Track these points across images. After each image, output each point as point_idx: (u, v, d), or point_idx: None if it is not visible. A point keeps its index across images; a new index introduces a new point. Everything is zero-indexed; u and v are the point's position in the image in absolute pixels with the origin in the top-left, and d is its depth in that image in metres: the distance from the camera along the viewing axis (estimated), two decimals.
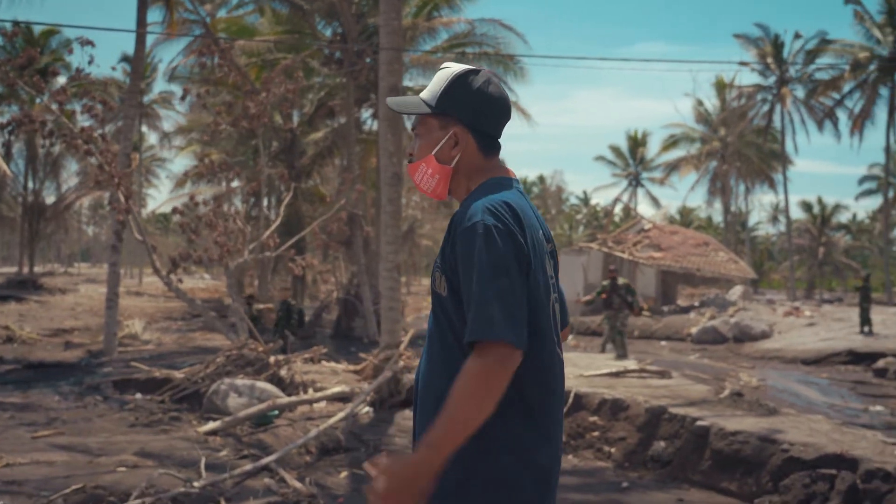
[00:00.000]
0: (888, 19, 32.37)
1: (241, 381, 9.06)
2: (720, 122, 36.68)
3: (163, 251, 26.05)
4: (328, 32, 21.41)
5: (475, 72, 1.94)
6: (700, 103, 38.74)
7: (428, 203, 34.24)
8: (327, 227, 13.37)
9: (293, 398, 9.02)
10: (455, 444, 1.64)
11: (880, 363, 14.18)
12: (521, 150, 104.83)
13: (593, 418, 8.01)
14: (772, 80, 36.70)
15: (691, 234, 26.90)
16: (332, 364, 11.48)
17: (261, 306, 12.16)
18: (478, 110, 1.93)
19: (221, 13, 27.91)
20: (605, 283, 12.88)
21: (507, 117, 1.97)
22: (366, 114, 23.14)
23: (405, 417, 9.05)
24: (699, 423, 6.92)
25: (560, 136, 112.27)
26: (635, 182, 48.81)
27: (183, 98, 13.48)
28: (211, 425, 7.88)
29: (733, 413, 7.43)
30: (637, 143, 48.38)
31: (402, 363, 9.87)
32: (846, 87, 33.98)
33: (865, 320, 17.59)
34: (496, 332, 1.64)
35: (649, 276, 25.13)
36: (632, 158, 48.63)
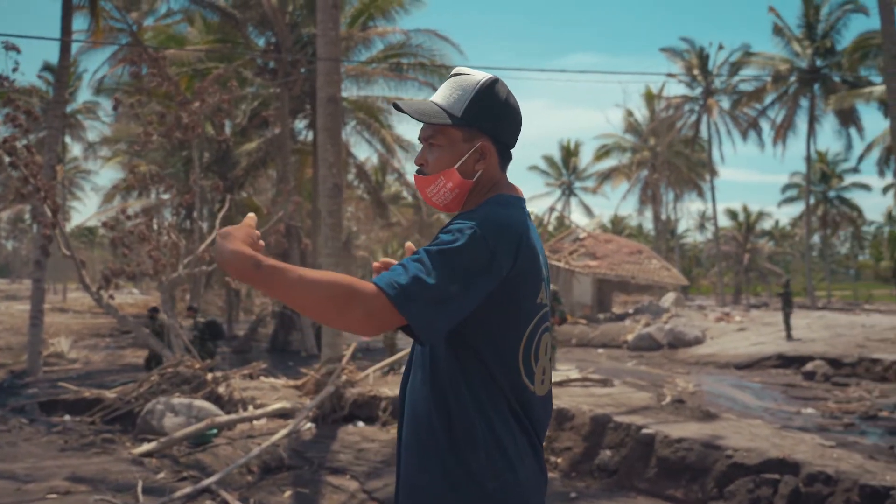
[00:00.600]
0: (807, 32, 33.69)
1: (177, 400, 8.77)
2: (650, 133, 37.54)
3: (91, 266, 25.16)
4: (261, 42, 21.12)
5: (497, 80, 1.84)
6: (630, 114, 39.64)
7: (363, 214, 34.01)
8: (264, 240, 13.08)
9: (232, 416, 8.78)
10: (272, 289, 1.51)
11: (809, 366, 14.63)
12: None
13: None
14: (698, 91, 37.79)
15: (625, 243, 27.38)
16: (272, 379, 11.23)
17: (164, 317, 11.79)
18: (503, 122, 1.84)
19: (149, 22, 27.25)
20: None
21: (521, 129, 1.90)
22: (300, 124, 22.89)
23: (348, 433, 8.90)
24: (644, 430, 6.98)
25: None
26: (568, 191, 49.51)
27: (115, 108, 13.05)
28: (146, 447, 7.60)
29: (676, 420, 7.52)
30: (570, 153, 49.08)
31: (344, 377, 9.72)
32: (768, 99, 35.22)
33: (788, 322, 18.19)
34: (404, 304, 1.51)
35: (585, 285, 25.45)
36: (565, 168, 49.31)
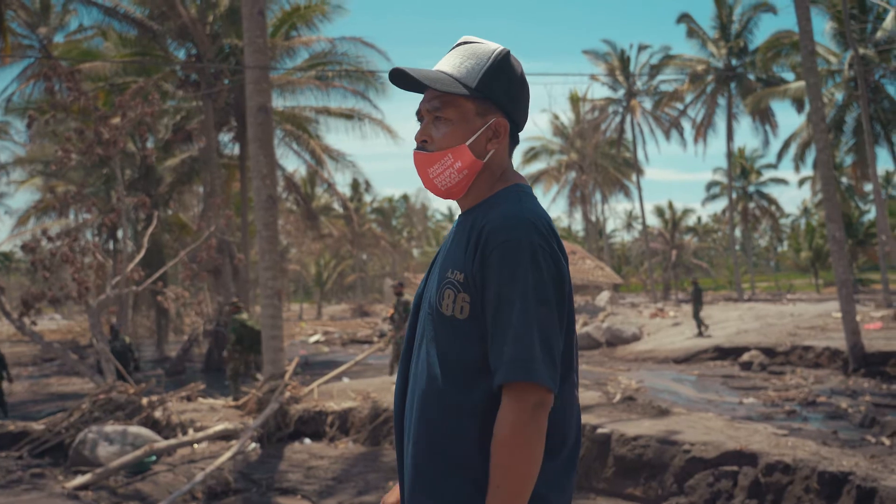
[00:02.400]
0: (721, 33, 34.71)
1: (111, 428, 8.33)
2: (576, 135, 38.08)
3: (7, 292, 23.99)
4: (181, 54, 20.56)
5: (510, 52, 1.66)
6: (556, 117, 40.11)
7: (294, 226, 33.45)
8: (196, 256, 12.65)
9: (171, 441, 8.39)
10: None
11: (745, 357, 14.95)
12: (387, 169, 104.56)
13: None
14: (621, 93, 38.54)
15: None
16: (210, 400, 10.83)
17: (127, 339, 11.30)
18: (518, 99, 1.66)
19: (58, 38, 26.25)
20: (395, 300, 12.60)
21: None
22: (226, 137, 22.34)
23: (295, 451, 8.63)
24: (600, 430, 6.93)
25: None
26: None
27: (29, 125, 12.45)
28: (80, 479, 7.17)
29: (629, 417, 7.50)
30: None
31: (287, 394, 9.43)
32: (688, 98, 36.13)
33: (698, 319, 18.41)
34: (538, 374, 1.43)
35: None
36: None
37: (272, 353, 9.76)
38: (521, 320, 1.45)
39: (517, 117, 1.67)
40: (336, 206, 38.00)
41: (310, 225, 27.48)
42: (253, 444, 8.69)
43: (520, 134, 1.72)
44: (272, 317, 9.75)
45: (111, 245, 23.26)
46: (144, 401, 9.33)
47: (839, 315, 17.64)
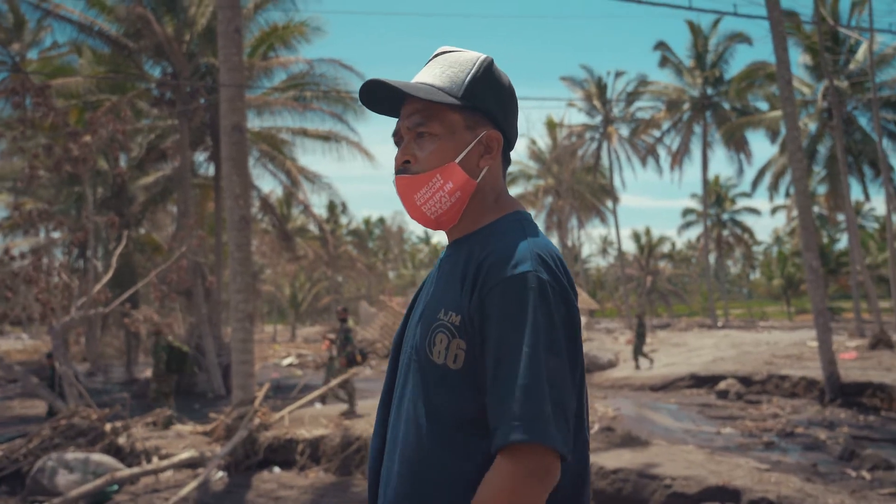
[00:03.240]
0: (697, 63, 35.14)
1: (72, 455, 8.01)
2: (553, 160, 38.20)
3: None
4: (156, 72, 20.31)
5: (493, 61, 1.48)
6: (533, 142, 40.23)
7: (269, 247, 33.09)
8: (167, 277, 12.36)
9: (135, 469, 8.09)
10: None
11: (721, 385, 14.86)
12: (364, 191, 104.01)
13: None
14: (598, 119, 38.79)
15: None
16: (178, 426, 10.51)
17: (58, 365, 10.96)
18: (508, 110, 1.47)
19: (32, 55, 25.91)
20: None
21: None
22: (200, 157, 22.07)
23: (264, 480, 8.36)
24: None
25: None
26: None
27: None
28: None
29: (608, 448, 7.34)
30: None
31: (257, 420, 9.16)
32: (664, 126, 36.45)
33: (639, 354, 18.19)
34: (549, 436, 1.21)
35: None
36: None
37: (242, 378, 9.49)
38: (528, 372, 1.23)
39: (509, 131, 1.48)
40: (312, 227, 37.72)
41: (285, 246, 27.18)
42: (220, 473, 8.42)
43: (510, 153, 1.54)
44: (243, 340, 9.49)
45: (81, 264, 22.83)
46: (108, 427, 9.02)
47: (814, 344, 17.67)
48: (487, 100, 1.43)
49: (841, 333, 23.96)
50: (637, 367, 17.93)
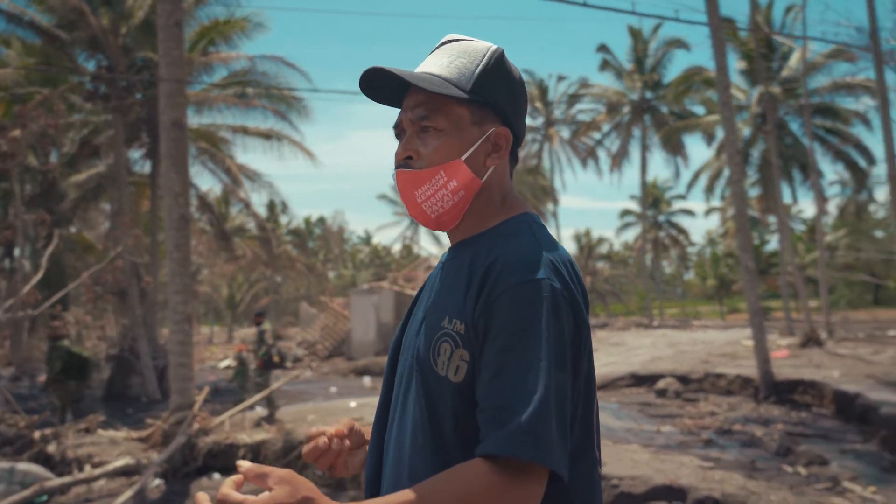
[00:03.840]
0: (636, 66, 35.78)
1: None
2: None
3: None
4: (91, 66, 19.68)
5: (504, 53, 1.38)
6: None
7: (206, 247, 32.42)
8: (100, 278, 11.96)
9: (66, 478, 7.79)
10: None
11: (660, 384, 15.10)
12: (306, 191, 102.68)
13: None
14: (540, 121, 39.18)
15: None
16: (111, 432, 10.16)
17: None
18: (518, 106, 1.38)
19: None
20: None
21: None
22: (136, 153, 21.48)
23: (202, 487, 8.15)
24: None
25: (341, 176, 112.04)
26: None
27: None
28: None
29: None
30: None
31: (196, 426, 8.92)
32: (605, 128, 37.03)
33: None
34: (552, 455, 1.11)
35: None
36: None
37: (181, 382, 9.23)
38: (535, 385, 1.13)
39: (518, 128, 1.39)
40: (251, 226, 37.15)
41: (223, 246, 26.69)
42: (157, 481, 8.17)
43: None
44: (182, 343, 9.23)
45: (8, 264, 21.97)
46: (36, 434, 8.68)
47: (748, 342, 18.13)
48: (497, 94, 1.35)
49: (772, 332, 24.65)
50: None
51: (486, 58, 1.35)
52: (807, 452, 8.31)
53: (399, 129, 1.38)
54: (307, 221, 59.63)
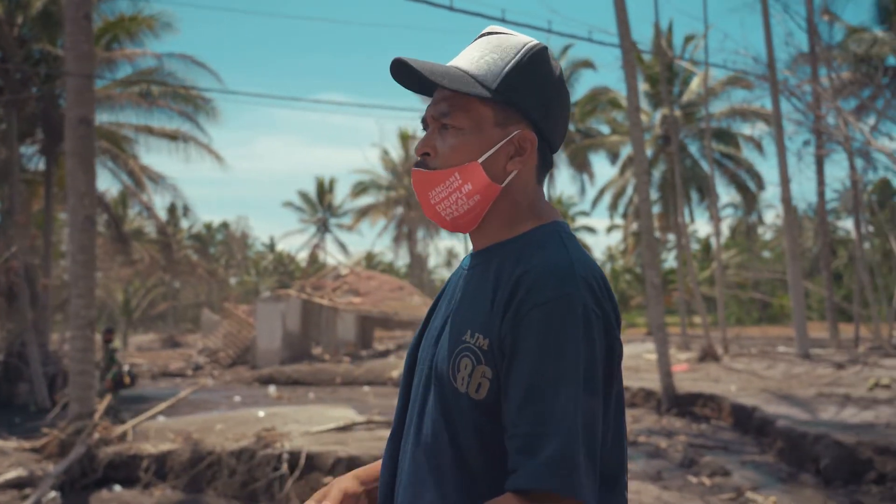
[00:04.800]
0: None
1: None
2: (405, 171, 38.46)
3: None
4: None
5: (547, 49, 1.29)
6: (386, 152, 40.34)
7: (101, 250, 31.11)
8: None
9: None
10: None
11: None
12: (212, 195, 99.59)
13: (328, 479, 7.47)
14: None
15: (387, 279, 27.54)
16: (0, 442, 9.58)
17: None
18: (552, 108, 1.28)
19: None
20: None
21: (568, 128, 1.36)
22: (29, 150, 20.40)
23: (103, 500, 7.80)
24: None
25: (247, 181, 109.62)
26: (324, 228, 49.18)
27: None
28: None
29: None
30: (325, 189, 48.87)
31: (97, 435, 8.52)
32: None
33: None
34: (581, 488, 1.08)
35: (349, 322, 25.17)
36: (320, 204, 48.96)
37: (81, 390, 8.80)
38: (566, 411, 1.09)
39: (550, 132, 1.30)
40: (149, 229, 35.91)
41: (119, 249, 25.71)
42: (52, 493, 7.74)
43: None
44: (83, 349, 8.80)
45: None
46: None
47: (650, 356, 18.73)
48: (526, 95, 1.26)
49: (670, 347, 25.55)
50: None
51: (519, 55, 1.26)
52: (710, 463, 8.62)
53: (425, 124, 1.32)
54: (208, 227, 58.07)
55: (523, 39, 1.29)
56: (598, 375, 1.15)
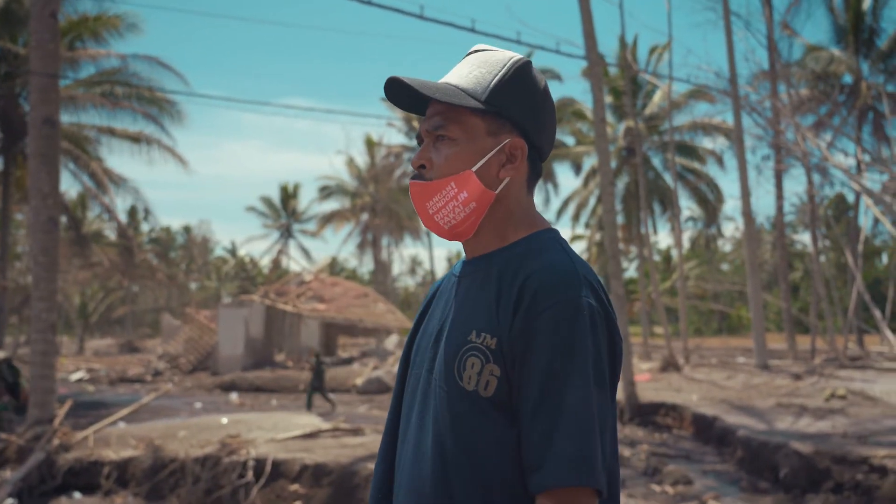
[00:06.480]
0: None
1: None
2: (371, 178, 38.38)
3: None
4: None
5: (531, 62, 1.38)
6: (352, 159, 40.20)
7: (60, 252, 30.51)
8: None
9: None
10: None
11: None
12: (175, 198, 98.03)
13: (294, 487, 7.43)
14: (415, 140, 39.48)
15: (351, 286, 27.43)
16: None
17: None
18: (540, 118, 1.36)
19: None
20: None
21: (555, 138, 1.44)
22: None
23: None
24: None
25: (210, 185, 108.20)
26: (287, 234, 48.82)
27: None
28: None
29: None
30: (289, 194, 48.54)
31: (56, 441, 8.36)
32: None
33: (310, 402, 15.00)
34: (597, 478, 1.15)
35: (313, 328, 25.01)
36: (284, 210, 48.60)
37: (41, 395, 8.64)
38: (580, 406, 1.16)
39: (539, 141, 1.37)
40: (109, 232, 35.34)
41: (78, 251, 25.27)
42: (10, 501, 7.59)
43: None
44: (44, 353, 8.64)
45: None
46: None
47: None
48: (515, 105, 1.33)
49: (632, 356, 25.83)
50: (309, 408, 14.81)
51: (505, 68, 1.34)
52: (673, 472, 8.74)
53: (420, 139, 1.38)
54: (167, 231, 57.30)
55: (508, 54, 1.37)
56: (606, 370, 1.22)
